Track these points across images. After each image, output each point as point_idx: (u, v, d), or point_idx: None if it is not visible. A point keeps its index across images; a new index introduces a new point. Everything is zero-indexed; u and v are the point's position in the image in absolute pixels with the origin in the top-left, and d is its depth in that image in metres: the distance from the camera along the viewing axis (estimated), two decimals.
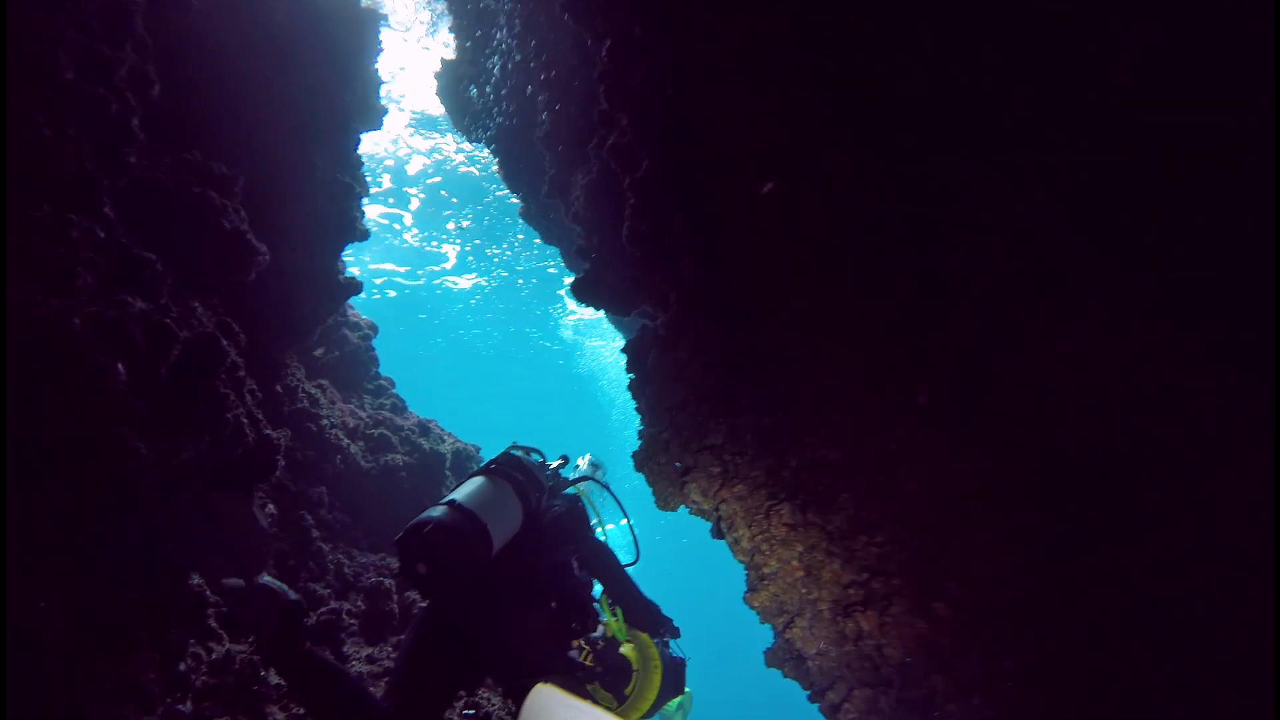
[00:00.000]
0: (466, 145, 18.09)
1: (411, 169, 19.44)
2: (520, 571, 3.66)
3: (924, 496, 4.12)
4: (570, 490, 4.36)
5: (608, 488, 4.66)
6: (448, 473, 9.93)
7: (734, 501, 4.92)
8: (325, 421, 8.54)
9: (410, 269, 24.50)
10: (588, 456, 5.07)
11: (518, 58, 7.38)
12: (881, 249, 3.84)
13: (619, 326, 11.75)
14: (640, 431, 5.81)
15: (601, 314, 16.31)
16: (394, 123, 17.81)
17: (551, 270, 23.84)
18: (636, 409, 5.74)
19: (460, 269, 24.30)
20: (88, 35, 4.16)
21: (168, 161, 5.40)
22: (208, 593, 4.76)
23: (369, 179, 20.30)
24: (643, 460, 5.35)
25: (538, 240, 11.70)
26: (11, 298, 3.19)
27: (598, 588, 4.21)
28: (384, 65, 16.27)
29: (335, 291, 8.71)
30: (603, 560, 4.17)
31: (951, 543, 4.11)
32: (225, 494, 4.81)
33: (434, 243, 22.89)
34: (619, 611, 4.26)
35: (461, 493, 3.61)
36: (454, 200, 20.68)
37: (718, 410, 4.84)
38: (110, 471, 3.53)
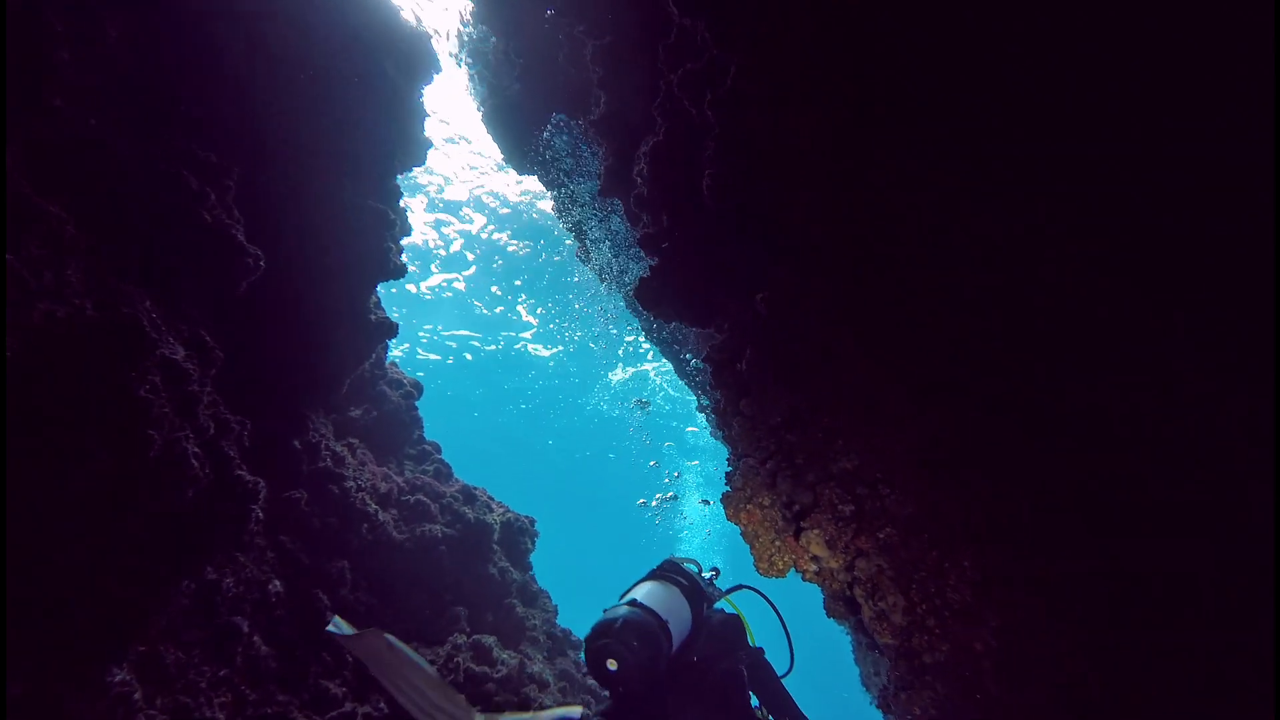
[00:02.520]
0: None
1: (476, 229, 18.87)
2: (690, 675, 3.75)
3: None
4: (724, 602, 4.32)
5: (765, 596, 4.39)
6: (496, 547, 8.47)
7: (878, 555, 3.34)
8: (350, 484, 7.25)
9: (485, 334, 23.82)
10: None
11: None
12: None
13: (669, 356, 10.25)
14: (730, 472, 4.31)
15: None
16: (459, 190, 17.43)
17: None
18: (724, 438, 4.27)
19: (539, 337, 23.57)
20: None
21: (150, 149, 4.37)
22: None
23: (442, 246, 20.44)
24: (737, 504, 3.83)
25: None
26: None
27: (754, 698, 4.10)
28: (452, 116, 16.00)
29: (368, 332, 7.58)
30: (760, 670, 4.05)
31: None
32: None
33: (499, 307, 22.23)
34: None
35: (640, 593, 3.78)
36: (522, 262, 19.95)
37: (851, 422, 3.36)
38: None
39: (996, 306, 3.19)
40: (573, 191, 9.24)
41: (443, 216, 18.83)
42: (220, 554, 4.46)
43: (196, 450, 3.50)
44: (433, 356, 25.31)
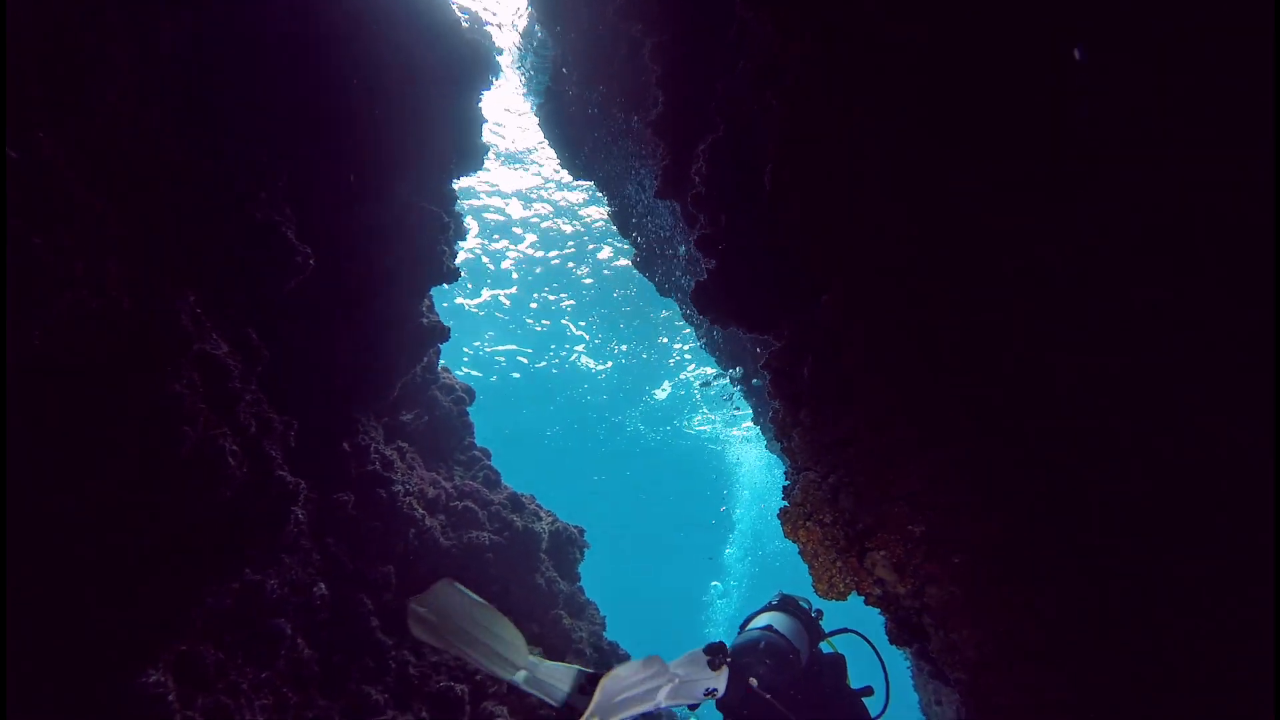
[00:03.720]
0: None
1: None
2: (801, 704, 3.82)
3: None
4: (826, 643, 4.45)
5: (870, 642, 4.52)
6: (543, 556, 8.31)
7: (951, 583, 3.04)
8: (399, 489, 7.18)
9: (535, 350, 23.88)
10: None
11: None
12: None
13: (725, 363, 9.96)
14: (787, 486, 4.05)
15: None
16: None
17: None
18: (783, 449, 4.02)
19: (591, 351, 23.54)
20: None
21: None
22: None
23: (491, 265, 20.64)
24: (796, 520, 3.57)
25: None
26: None
27: None
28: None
29: (419, 336, 7.53)
30: (857, 712, 4.17)
31: None
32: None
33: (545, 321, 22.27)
34: None
35: (775, 620, 4.06)
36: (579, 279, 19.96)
37: (920, 437, 3.08)
38: None
39: (1081, 336, 2.89)
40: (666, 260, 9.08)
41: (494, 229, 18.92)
42: (260, 555, 4.38)
43: (234, 449, 3.41)
44: (475, 373, 25.39)
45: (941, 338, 3.30)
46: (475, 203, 17.59)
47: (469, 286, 21.12)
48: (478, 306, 22.00)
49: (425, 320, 7.60)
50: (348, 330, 6.66)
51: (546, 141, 9.51)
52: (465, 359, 24.71)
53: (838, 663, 4.27)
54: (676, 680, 3.64)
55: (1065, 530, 2.85)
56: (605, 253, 19.05)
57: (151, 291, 3.18)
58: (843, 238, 3.65)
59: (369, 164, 6.69)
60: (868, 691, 4.16)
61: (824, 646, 4.41)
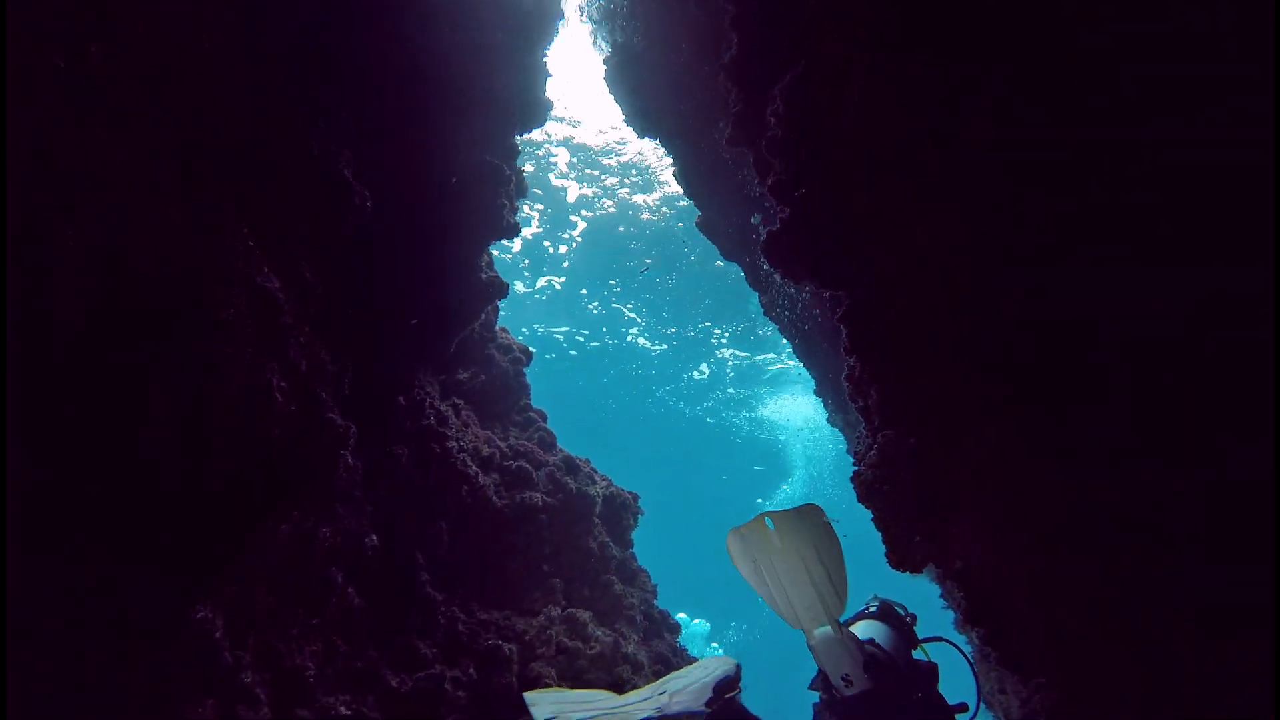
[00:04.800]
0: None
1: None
2: (896, 712, 3.80)
3: None
4: (919, 651, 4.36)
5: (960, 649, 4.58)
6: (596, 520, 8.17)
7: (1032, 558, 2.72)
8: (453, 445, 7.10)
9: (592, 331, 23.91)
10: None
11: None
12: None
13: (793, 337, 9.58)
14: (859, 451, 3.75)
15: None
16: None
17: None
18: (859, 410, 3.72)
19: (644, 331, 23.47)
20: None
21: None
22: None
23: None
24: (871, 484, 3.28)
25: None
26: None
27: None
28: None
29: (477, 290, 7.40)
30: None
31: None
32: None
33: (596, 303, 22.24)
34: None
35: (874, 631, 3.94)
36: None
37: (1016, 394, 2.75)
38: None
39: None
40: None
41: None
42: (310, 500, 4.29)
43: (283, 385, 3.29)
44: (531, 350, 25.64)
45: (1043, 291, 2.96)
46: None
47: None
48: (535, 291, 22.18)
49: (484, 275, 7.47)
50: (406, 281, 6.56)
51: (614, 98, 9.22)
52: (522, 336, 25.02)
53: (931, 671, 4.10)
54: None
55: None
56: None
57: (202, 217, 3.05)
58: (934, 181, 3.32)
59: (433, 110, 6.55)
60: (962, 708, 3.93)
61: (917, 654, 4.27)
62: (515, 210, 7.94)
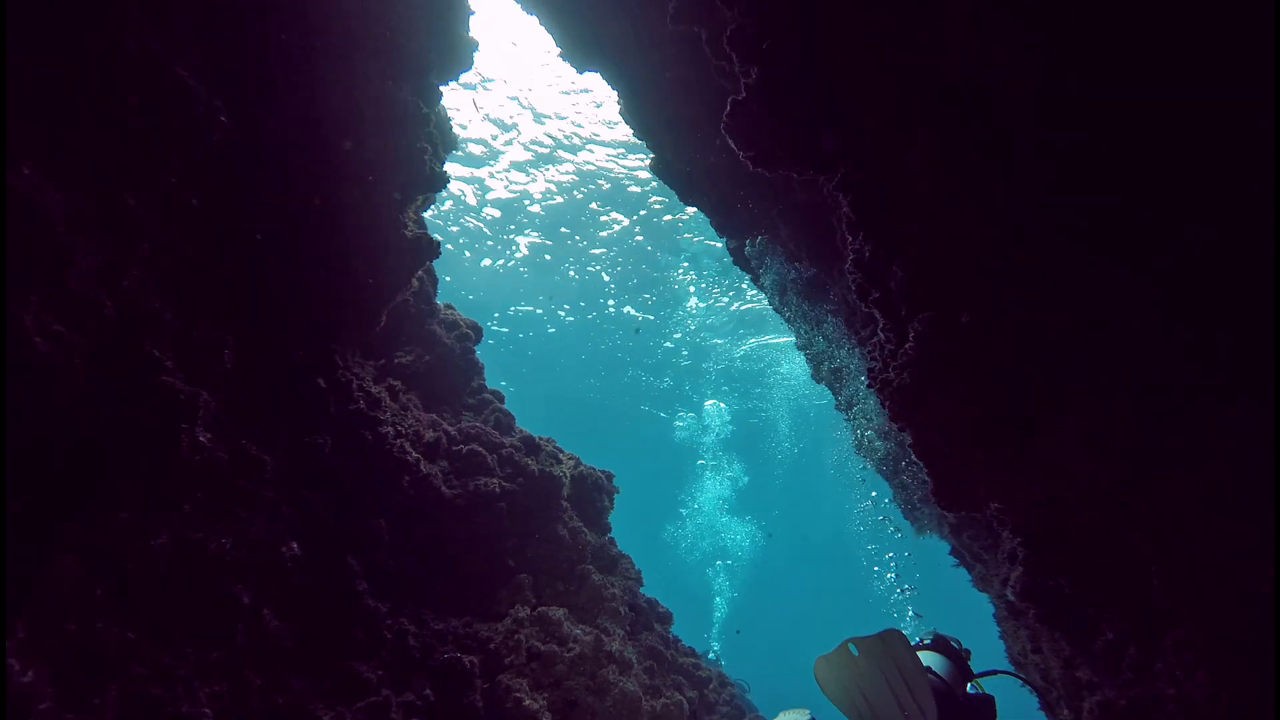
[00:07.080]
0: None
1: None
2: None
3: None
4: (972, 686, 4.37)
5: (1023, 678, 4.73)
6: (565, 504, 7.20)
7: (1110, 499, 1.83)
8: (387, 430, 6.08)
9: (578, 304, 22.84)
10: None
11: None
12: None
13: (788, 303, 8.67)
14: (891, 349, 2.81)
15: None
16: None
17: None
18: (875, 304, 2.78)
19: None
20: None
21: None
22: None
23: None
24: (909, 396, 2.32)
25: None
26: None
27: None
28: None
29: (401, 249, 6.34)
30: None
31: None
32: None
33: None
34: None
35: (933, 661, 4.02)
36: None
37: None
38: None
39: None
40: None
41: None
42: (141, 492, 3.24)
43: (58, 329, 2.28)
44: (503, 330, 24.53)
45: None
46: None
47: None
48: (501, 268, 21.02)
49: (408, 232, 6.42)
50: (307, 241, 5.51)
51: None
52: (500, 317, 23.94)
53: (987, 704, 4.17)
54: None
55: None
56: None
57: None
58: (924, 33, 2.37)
59: (321, 40, 5.49)
60: None
61: (970, 688, 4.32)
62: (441, 160, 6.91)
